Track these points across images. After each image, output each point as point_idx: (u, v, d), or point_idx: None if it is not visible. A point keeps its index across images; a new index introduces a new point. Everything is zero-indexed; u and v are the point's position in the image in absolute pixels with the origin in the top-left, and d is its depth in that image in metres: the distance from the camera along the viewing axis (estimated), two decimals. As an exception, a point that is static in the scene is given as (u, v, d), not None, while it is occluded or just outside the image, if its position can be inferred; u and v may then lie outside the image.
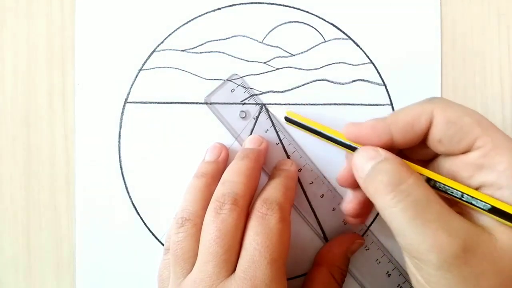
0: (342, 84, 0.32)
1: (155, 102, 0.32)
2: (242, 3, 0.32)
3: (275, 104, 0.32)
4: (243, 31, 0.32)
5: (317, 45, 0.32)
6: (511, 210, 0.21)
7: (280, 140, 0.31)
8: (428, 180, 0.23)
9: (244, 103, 0.32)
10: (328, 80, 0.32)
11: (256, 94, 0.32)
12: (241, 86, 0.32)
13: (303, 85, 0.32)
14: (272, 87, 0.32)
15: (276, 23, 0.32)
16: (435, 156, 0.25)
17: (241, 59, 0.32)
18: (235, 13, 0.32)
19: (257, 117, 0.32)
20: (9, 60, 0.32)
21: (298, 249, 0.31)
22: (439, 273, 0.20)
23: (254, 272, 0.24)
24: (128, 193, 0.31)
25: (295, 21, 0.32)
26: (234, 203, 0.25)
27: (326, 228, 0.31)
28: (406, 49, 0.32)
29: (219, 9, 0.32)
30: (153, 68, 0.32)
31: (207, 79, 0.32)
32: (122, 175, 0.32)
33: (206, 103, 0.32)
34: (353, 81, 0.32)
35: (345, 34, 0.32)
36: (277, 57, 0.32)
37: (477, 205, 0.22)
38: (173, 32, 0.32)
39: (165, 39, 0.32)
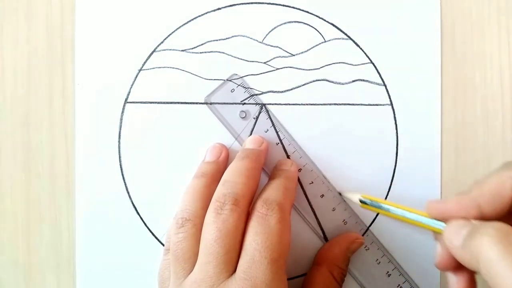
0: (342, 84, 0.32)
1: (155, 102, 0.32)
2: (242, 3, 0.32)
3: (275, 104, 0.32)
4: (243, 31, 0.32)
5: (317, 45, 0.32)
6: None
7: (280, 140, 0.31)
8: None
9: (244, 103, 0.32)
10: (328, 80, 0.32)
11: (256, 94, 0.32)
12: (241, 86, 0.32)
13: (303, 85, 0.32)
14: (272, 87, 0.32)
15: (276, 23, 0.32)
16: None
17: (241, 59, 0.32)
18: (235, 13, 0.32)
19: (257, 117, 0.32)
20: (9, 60, 0.32)
21: (298, 249, 0.31)
22: None
23: (254, 272, 0.24)
24: (128, 193, 0.31)
25: (295, 21, 0.32)
26: (235, 204, 0.25)
27: (326, 228, 0.31)
28: (406, 49, 0.32)
29: (219, 9, 0.32)
30: (153, 68, 0.32)
31: (207, 79, 0.32)
32: (122, 175, 0.32)
33: (206, 103, 0.32)
34: (353, 81, 0.32)
35: (345, 34, 0.32)
36: (277, 57, 0.32)
37: None
38: (173, 32, 0.32)
39: (165, 39, 0.32)
